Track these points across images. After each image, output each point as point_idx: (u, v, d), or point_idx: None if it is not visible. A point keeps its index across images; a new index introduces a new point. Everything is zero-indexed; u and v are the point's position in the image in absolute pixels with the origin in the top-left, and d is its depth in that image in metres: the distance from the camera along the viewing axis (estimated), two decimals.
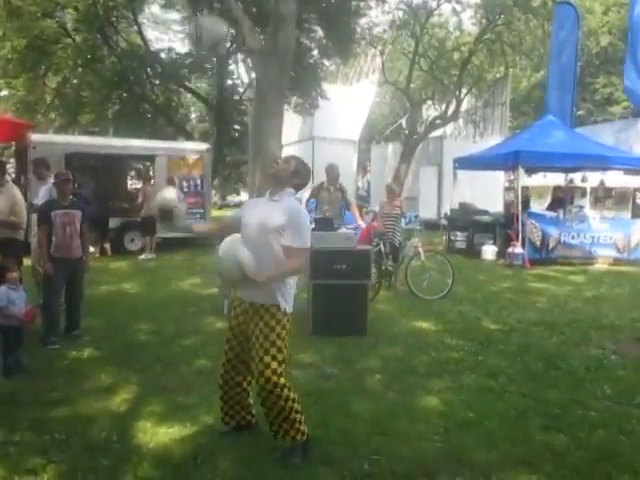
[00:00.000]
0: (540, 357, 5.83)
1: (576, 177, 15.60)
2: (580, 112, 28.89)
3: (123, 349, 5.85)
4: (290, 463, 3.51)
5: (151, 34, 27.38)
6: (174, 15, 26.56)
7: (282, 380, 3.49)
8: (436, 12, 22.25)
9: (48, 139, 13.81)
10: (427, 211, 19.87)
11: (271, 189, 3.70)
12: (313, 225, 6.78)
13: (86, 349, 5.79)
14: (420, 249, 9.02)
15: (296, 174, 3.68)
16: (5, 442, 3.77)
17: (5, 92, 24.20)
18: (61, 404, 4.41)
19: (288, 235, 3.47)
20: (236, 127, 25.71)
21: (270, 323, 3.54)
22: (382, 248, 8.94)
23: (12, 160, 20.14)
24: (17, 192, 6.57)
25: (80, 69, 21.41)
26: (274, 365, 3.47)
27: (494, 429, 4.12)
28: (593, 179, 15.77)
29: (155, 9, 26.82)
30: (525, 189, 13.89)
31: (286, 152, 19.59)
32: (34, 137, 12.61)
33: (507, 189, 22.34)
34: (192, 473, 3.43)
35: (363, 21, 22.37)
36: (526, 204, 13.10)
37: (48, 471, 3.42)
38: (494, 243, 13.31)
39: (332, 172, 8.57)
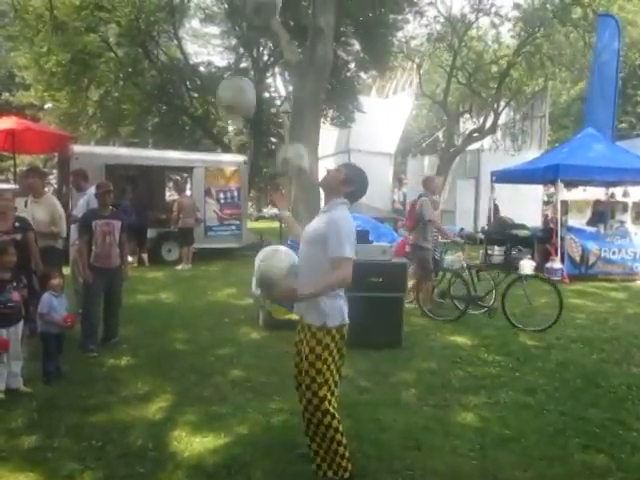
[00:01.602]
0: (579, 374, 5.69)
1: (617, 191, 15.25)
2: (622, 125, 28.30)
3: (159, 357, 5.92)
4: None
5: (190, 48, 28.01)
6: (213, 29, 27.02)
7: (323, 405, 3.31)
8: (474, 25, 22.14)
9: (89, 150, 14.17)
10: (463, 224, 19.69)
11: (324, 200, 3.62)
12: None
13: (124, 357, 5.88)
14: (463, 263, 8.62)
15: (347, 182, 3.47)
16: (43, 447, 3.84)
17: (49, 105, 24.87)
18: (98, 411, 4.47)
19: (329, 245, 3.28)
20: (273, 140, 25.93)
21: (310, 342, 3.38)
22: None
23: (54, 171, 20.66)
24: (56, 202, 6.75)
25: (121, 82, 21.91)
26: (314, 387, 3.31)
27: (531, 447, 4.03)
28: (635, 194, 15.38)
29: (195, 23, 27.33)
30: (564, 203, 13.64)
31: (322, 165, 19.69)
32: (76, 148, 12.93)
33: (546, 203, 22.00)
34: None
35: (400, 34, 22.44)
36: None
37: (84, 477, 3.47)
38: (532, 258, 13.07)
39: (432, 183, 8.68)
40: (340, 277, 3.27)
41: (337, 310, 3.45)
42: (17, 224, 5.68)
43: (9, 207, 5.70)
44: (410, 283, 8.33)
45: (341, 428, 3.36)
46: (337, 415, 3.35)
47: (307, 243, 3.45)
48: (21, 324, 4.85)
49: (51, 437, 3.97)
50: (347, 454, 3.40)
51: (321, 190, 3.65)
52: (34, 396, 4.73)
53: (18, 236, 5.61)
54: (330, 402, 3.33)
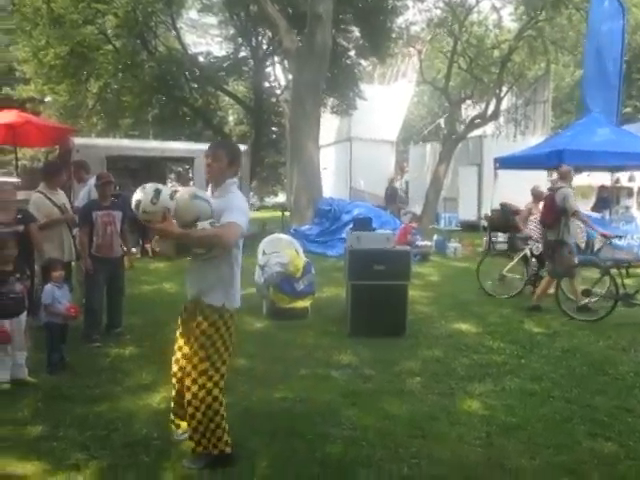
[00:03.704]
0: (586, 362, 5.66)
1: (622, 176, 15.14)
2: (627, 109, 28.05)
3: (163, 347, 5.82)
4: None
5: (189, 38, 27.74)
6: (211, 19, 26.83)
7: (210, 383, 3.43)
8: (475, 9, 21.92)
9: (89, 142, 14.11)
10: (467, 212, 19.58)
11: (211, 187, 3.59)
12: (352, 225, 6.72)
13: (128, 347, 5.87)
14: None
15: (232, 164, 3.54)
16: (49, 437, 3.86)
17: (49, 98, 24.76)
18: (103, 401, 4.48)
19: (224, 216, 3.31)
20: (273, 129, 25.81)
21: (203, 324, 3.48)
22: (528, 253, 8.70)
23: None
24: None
25: (120, 74, 21.77)
26: (203, 366, 3.43)
27: (537, 435, 4.01)
28: None
29: (193, 14, 27.11)
30: None
31: (324, 153, 19.62)
32: (76, 141, 12.88)
33: (549, 189, 21.88)
34: (230, 471, 3.43)
35: (400, 20, 22.23)
36: None
37: (90, 466, 3.48)
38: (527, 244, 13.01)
39: (570, 173, 8.24)
40: (220, 233, 3.24)
41: (237, 292, 3.55)
42: (19, 216, 5.65)
43: (10, 199, 5.67)
44: (544, 282, 7.97)
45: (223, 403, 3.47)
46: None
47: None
48: (24, 315, 4.84)
49: (56, 427, 3.99)
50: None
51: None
52: (39, 386, 4.74)
53: (20, 228, 5.59)
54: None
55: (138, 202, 3.12)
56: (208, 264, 3.42)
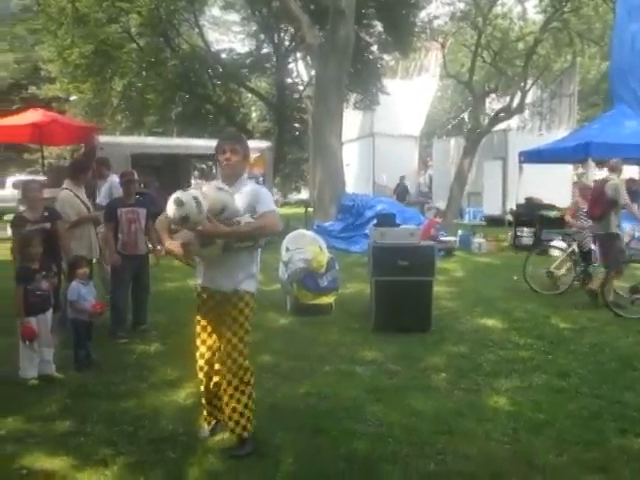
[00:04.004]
0: (614, 357, 5.55)
1: None
2: None
3: (188, 344, 5.87)
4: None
5: (211, 36, 27.81)
6: (234, 16, 26.91)
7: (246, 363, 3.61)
8: (499, 2, 21.66)
9: (115, 140, 14.29)
10: (491, 206, 19.41)
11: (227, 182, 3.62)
12: (375, 221, 6.69)
13: (153, 344, 5.91)
14: None
15: (247, 158, 3.65)
16: (76, 432, 3.90)
17: (74, 97, 25.09)
18: (129, 397, 4.51)
19: (259, 204, 3.50)
20: (296, 125, 25.84)
21: (238, 307, 3.65)
22: (575, 248, 8.54)
23: None
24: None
25: (144, 72, 21.99)
26: (240, 347, 3.58)
27: (566, 431, 3.95)
28: None
29: (215, 11, 27.24)
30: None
31: (346, 149, 19.57)
32: (101, 139, 13.03)
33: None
34: (256, 467, 3.43)
35: (423, 14, 22.10)
36: None
37: (117, 462, 3.50)
38: (562, 239, 12.84)
39: (621, 165, 8.13)
40: (264, 223, 3.42)
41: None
42: (46, 214, 5.73)
43: (37, 197, 5.75)
44: (602, 276, 7.69)
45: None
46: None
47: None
48: (50, 312, 4.91)
49: (84, 422, 4.03)
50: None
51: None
52: (66, 383, 4.80)
53: (47, 225, 5.66)
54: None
55: (186, 217, 3.20)
56: (244, 255, 3.55)
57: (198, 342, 3.73)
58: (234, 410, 3.53)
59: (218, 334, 3.62)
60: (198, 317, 3.72)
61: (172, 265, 11.11)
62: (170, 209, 3.22)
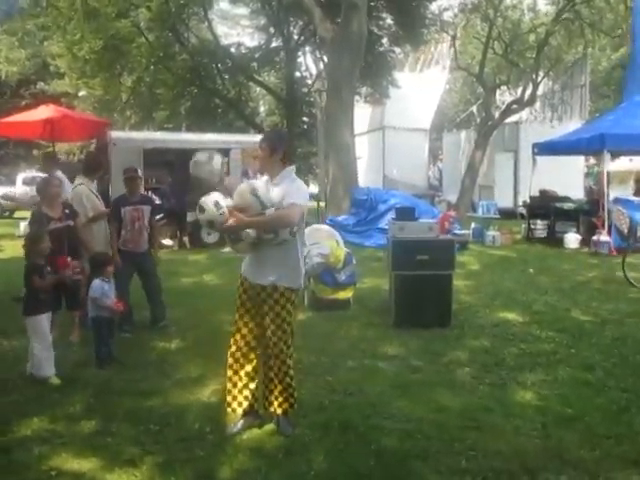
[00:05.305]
0: (638, 349, 5.51)
1: None
2: None
3: (208, 340, 5.89)
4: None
5: (220, 29, 27.74)
6: (243, 10, 26.81)
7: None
8: None
9: (127, 136, 14.28)
10: (503, 199, 19.31)
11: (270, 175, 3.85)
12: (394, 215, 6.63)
13: (173, 340, 5.88)
14: None
15: (274, 151, 3.74)
16: (102, 432, 3.84)
17: (84, 92, 25.08)
18: (153, 395, 4.47)
19: (287, 196, 3.66)
20: (305, 119, 25.75)
21: (280, 302, 3.83)
22: None
23: None
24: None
25: (153, 67, 21.96)
26: (285, 337, 3.82)
27: (596, 425, 3.91)
28: None
29: (224, 4, 27.13)
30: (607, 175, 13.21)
31: (357, 143, 19.49)
32: (114, 134, 13.01)
33: (587, 175, 21.43)
34: (286, 464, 3.41)
35: (433, 6, 21.96)
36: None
37: (146, 462, 3.45)
38: (577, 231, 12.77)
39: None
40: (282, 214, 3.57)
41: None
42: (67, 211, 5.69)
43: (58, 194, 5.72)
44: None
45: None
46: None
47: None
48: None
49: (109, 422, 3.97)
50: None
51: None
52: (89, 381, 4.75)
53: (71, 222, 5.64)
54: None
55: (211, 222, 3.58)
56: (284, 250, 3.67)
57: (234, 329, 3.85)
58: (281, 391, 3.81)
59: (257, 323, 3.78)
60: (237, 304, 3.84)
61: (187, 260, 11.18)
62: (198, 215, 3.61)
